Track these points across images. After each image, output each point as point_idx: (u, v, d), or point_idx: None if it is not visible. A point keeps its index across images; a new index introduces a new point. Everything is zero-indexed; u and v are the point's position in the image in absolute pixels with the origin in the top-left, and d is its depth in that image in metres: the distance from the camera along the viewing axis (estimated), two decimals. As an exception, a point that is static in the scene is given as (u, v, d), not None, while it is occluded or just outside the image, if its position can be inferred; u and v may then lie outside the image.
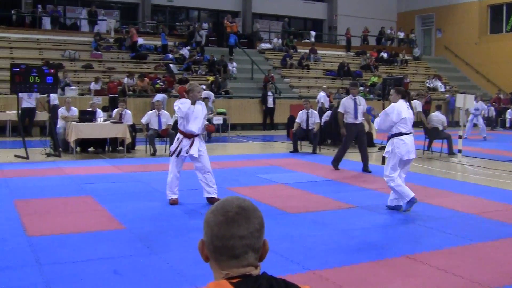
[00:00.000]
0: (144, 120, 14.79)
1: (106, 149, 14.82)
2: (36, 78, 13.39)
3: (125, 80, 21.74)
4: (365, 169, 12.08)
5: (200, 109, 8.20)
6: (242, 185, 10.04)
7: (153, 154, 14.27)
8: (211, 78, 24.36)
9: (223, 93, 24.00)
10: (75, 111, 14.88)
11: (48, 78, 13.59)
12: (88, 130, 13.60)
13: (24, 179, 10.33)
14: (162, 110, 15.10)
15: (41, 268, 5.28)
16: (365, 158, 12.11)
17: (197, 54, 27.02)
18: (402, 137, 7.77)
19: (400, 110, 7.76)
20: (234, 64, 27.09)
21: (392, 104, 7.92)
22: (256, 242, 1.80)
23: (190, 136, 8.14)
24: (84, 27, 28.28)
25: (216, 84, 23.82)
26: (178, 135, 8.24)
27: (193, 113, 8.06)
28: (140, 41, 26.63)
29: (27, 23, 27.21)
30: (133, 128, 15.17)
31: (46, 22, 27.21)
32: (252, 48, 30.57)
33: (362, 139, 12.33)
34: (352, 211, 8.07)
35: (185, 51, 26.79)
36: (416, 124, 18.76)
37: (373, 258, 5.76)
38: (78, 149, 14.20)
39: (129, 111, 15.11)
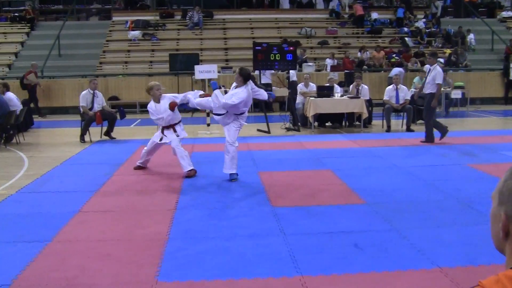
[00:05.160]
0: (387, 96, 14.38)
1: (343, 124, 14.98)
2: (277, 55, 13.97)
3: (359, 54, 21.87)
4: None
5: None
6: (484, 162, 9.45)
7: (388, 130, 13.93)
8: (448, 51, 23.34)
9: (460, 65, 22.83)
10: (313, 86, 15.19)
11: (287, 55, 14.10)
12: (326, 105, 13.85)
13: (267, 152, 10.86)
14: (400, 84, 14.76)
15: (285, 237, 5.49)
16: None
17: (433, 26, 26.02)
18: (244, 115, 8.45)
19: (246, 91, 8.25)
20: (473, 35, 25.55)
21: (237, 90, 8.20)
22: None
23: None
24: (319, 4, 28.76)
25: (456, 56, 22.73)
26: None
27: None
28: (375, 15, 26.42)
29: (266, 4, 28.46)
30: (369, 103, 15.06)
31: (284, 1, 28.21)
32: (492, 17, 28.59)
33: None
34: None
35: (420, 24, 25.98)
36: None
37: None
38: (316, 124, 14.55)
39: (365, 86, 15.07)
